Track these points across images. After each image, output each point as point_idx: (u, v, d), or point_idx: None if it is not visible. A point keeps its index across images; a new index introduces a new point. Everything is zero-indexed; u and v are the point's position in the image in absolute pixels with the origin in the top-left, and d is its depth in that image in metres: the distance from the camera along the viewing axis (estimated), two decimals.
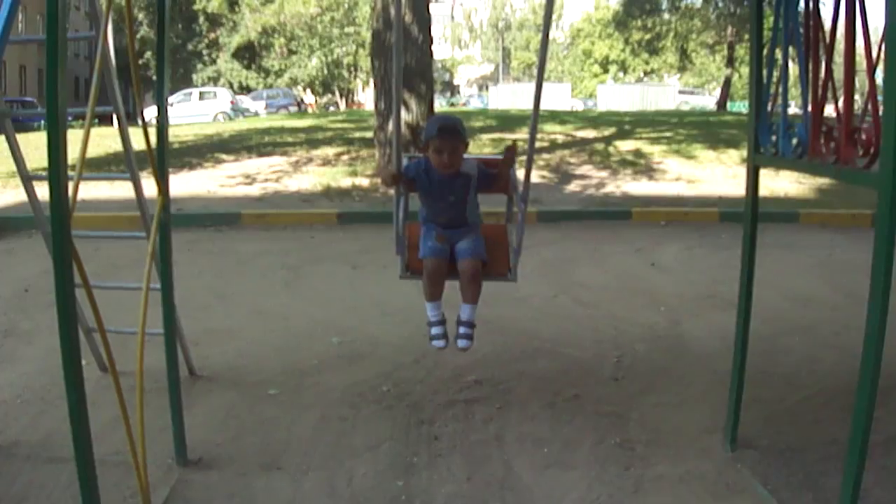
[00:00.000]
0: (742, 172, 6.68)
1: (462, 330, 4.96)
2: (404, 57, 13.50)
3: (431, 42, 16.07)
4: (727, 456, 4.90)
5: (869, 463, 3.46)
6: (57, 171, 3.04)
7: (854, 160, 3.55)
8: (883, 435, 4.81)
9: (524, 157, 4.77)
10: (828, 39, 3.81)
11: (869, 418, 3.35)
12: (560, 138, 21.20)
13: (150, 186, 4.78)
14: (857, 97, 4.02)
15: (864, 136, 3.48)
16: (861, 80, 3.86)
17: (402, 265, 5.08)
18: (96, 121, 4.16)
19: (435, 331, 5.00)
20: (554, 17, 18.35)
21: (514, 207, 5.31)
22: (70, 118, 3.63)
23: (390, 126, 4.40)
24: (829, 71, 3.84)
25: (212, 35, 58.93)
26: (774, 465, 4.76)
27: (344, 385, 6.03)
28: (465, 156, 4.94)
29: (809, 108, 3.90)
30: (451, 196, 4.94)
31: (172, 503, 4.33)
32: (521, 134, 20.94)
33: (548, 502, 4.40)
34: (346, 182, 15.29)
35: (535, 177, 15.77)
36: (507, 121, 25.70)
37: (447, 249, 4.94)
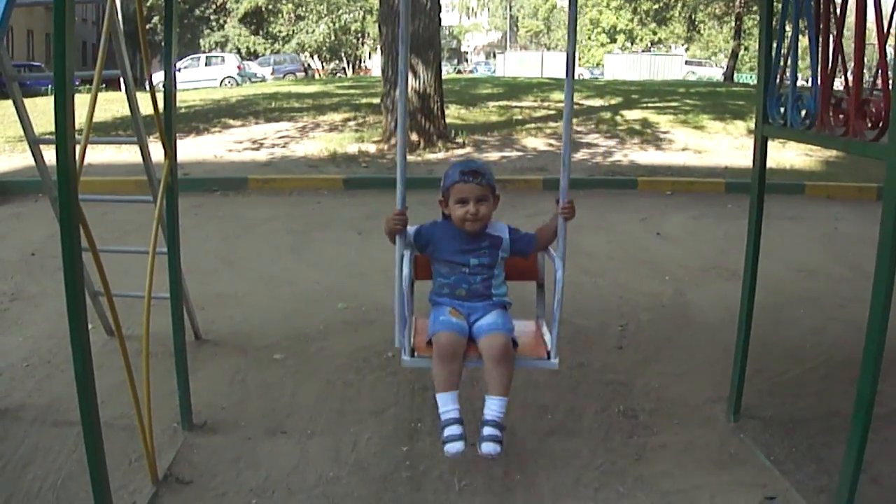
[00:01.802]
0: (748, 143, 6.68)
1: (488, 432, 3.75)
2: (412, 24, 13.46)
3: (439, 9, 16.01)
4: (730, 426, 4.91)
5: (872, 435, 3.46)
6: (64, 134, 3.04)
7: (863, 132, 3.54)
8: (886, 408, 4.82)
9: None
10: (838, 11, 3.79)
11: (873, 391, 3.36)
12: None
13: (156, 151, 4.78)
14: (865, 70, 4.01)
15: (873, 108, 3.47)
16: (870, 53, 3.85)
17: (406, 346, 3.95)
18: (104, 85, 4.16)
19: (450, 431, 3.75)
20: None
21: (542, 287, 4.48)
22: (77, 82, 3.63)
23: (398, 92, 3.45)
24: (838, 43, 3.82)
25: (219, 0, 58.68)
26: (777, 435, 4.78)
27: (349, 350, 6.05)
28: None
29: (819, 80, 3.89)
30: (474, 259, 4.02)
31: (178, 467, 4.34)
32: (529, 102, 20.91)
33: (551, 469, 4.41)
34: (352, 148, 15.30)
35: (543, 145, 15.80)
36: (514, 89, 25.65)
37: (465, 326, 3.93)
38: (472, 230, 3.98)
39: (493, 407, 3.75)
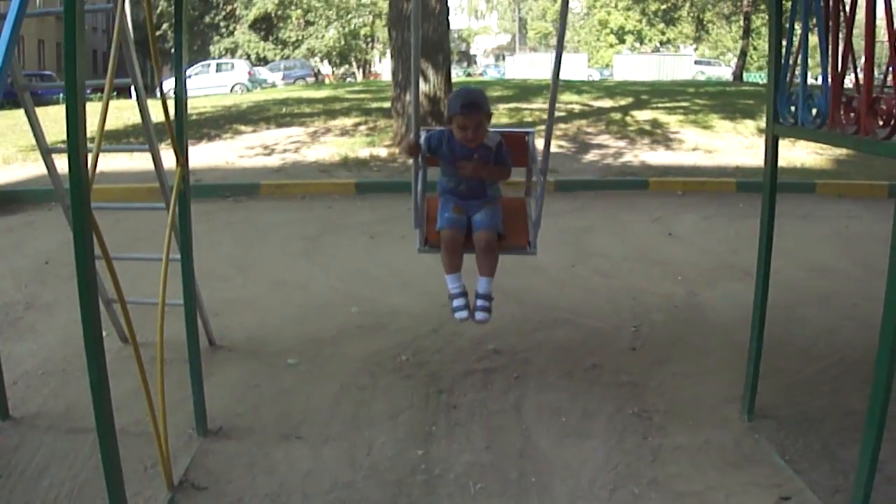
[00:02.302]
0: (759, 143, 6.67)
1: (479, 303, 4.86)
2: (421, 27, 13.47)
3: (448, 12, 16.01)
4: (745, 426, 4.91)
5: (886, 434, 3.45)
6: (76, 143, 3.05)
7: (874, 130, 3.53)
8: None
9: (542, 128, 4.77)
10: (847, 9, 3.79)
11: (887, 390, 3.35)
12: (577, 108, 21.17)
13: (168, 158, 4.79)
14: (876, 68, 4.00)
15: (884, 107, 3.46)
16: (881, 51, 3.84)
17: (420, 238, 5.06)
18: (114, 93, 4.17)
19: (456, 303, 4.88)
20: None
21: (532, 178, 5.27)
22: (88, 91, 3.64)
23: (408, 96, 4.23)
24: (848, 41, 3.82)
25: (229, 7, 58.79)
26: (792, 435, 4.77)
27: (363, 355, 6.06)
28: (490, 129, 4.89)
29: (829, 79, 3.88)
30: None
31: (193, 473, 4.36)
32: (539, 104, 20.91)
33: (566, 471, 4.41)
34: (363, 152, 15.31)
35: (554, 146, 15.75)
36: (524, 91, 25.66)
37: (464, 220, 4.89)
38: (469, 145, 4.79)
39: (482, 284, 4.85)
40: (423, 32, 14.30)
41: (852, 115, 3.71)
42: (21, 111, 5.14)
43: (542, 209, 4.85)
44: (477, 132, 4.73)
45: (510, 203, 5.31)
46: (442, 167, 5.01)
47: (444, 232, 4.85)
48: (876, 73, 3.86)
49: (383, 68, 64.57)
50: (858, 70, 3.69)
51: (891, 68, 3.41)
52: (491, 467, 4.46)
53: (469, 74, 72.44)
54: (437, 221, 4.96)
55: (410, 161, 4.99)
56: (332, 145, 16.11)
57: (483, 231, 4.84)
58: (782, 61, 4.37)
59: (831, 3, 3.90)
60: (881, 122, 3.48)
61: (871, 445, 3.43)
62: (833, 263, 8.68)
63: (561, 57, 4.29)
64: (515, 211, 5.31)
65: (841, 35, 3.85)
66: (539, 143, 5.00)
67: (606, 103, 22.12)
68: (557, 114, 19.47)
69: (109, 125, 4.60)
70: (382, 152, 15.33)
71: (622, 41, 76.94)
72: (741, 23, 50.42)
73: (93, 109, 3.07)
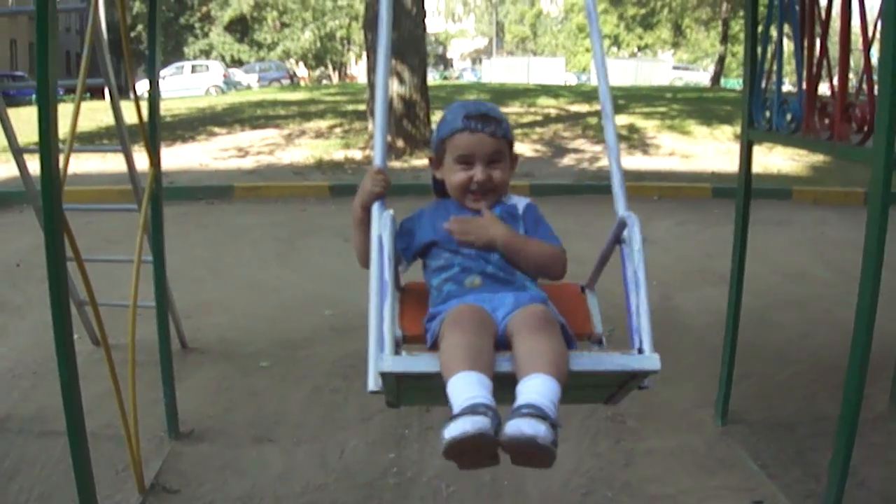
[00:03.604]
0: (735, 148, 6.68)
1: (529, 425, 2.06)
2: (397, 29, 13.46)
3: (425, 15, 16.00)
4: (718, 430, 4.92)
5: (858, 440, 3.47)
6: (48, 144, 3.03)
7: (848, 136, 3.55)
8: (872, 412, 4.85)
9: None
10: (823, 16, 3.81)
11: (859, 395, 3.37)
12: (553, 112, 21.18)
13: (141, 159, 4.77)
14: (851, 75, 4.02)
15: (858, 113, 3.48)
16: (856, 58, 3.86)
17: (372, 378, 2.44)
18: (87, 94, 4.15)
19: (475, 423, 2.04)
20: None
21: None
22: (61, 92, 3.62)
23: (376, 105, 2.67)
24: (823, 47, 3.84)
25: (204, 9, 58.64)
26: (764, 440, 4.79)
27: (336, 357, 6.04)
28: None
29: (804, 84, 3.90)
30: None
31: (165, 475, 4.33)
32: (516, 108, 20.93)
33: (539, 475, 4.39)
34: (338, 155, 15.31)
35: (529, 150, 15.80)
36: (501, 94, 25.64)
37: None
38: (477, 208, 2.71)
39: (534, 388, 2.12)
40: (399, 34, 14.31)
41: (827, 120, 3.73)
42: None
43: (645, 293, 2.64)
44: (492, 171, 2.69)
45: (556, 291, 2.95)
46: (430, 265, 2.73)
47: (460, 307, 2.40)
48: (851, 79, 3.88)
49: (359, 70, 64.53)
50: (833, 76, 3.71)
51: (864, 75, 3.44)
52: (462, 470, 4.45)
53: (446, 77, 72.46)
54: (420, 316, 2.65)
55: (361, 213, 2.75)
56: (306, 147, 16.10)
57: (527, 306, 2.43)
58: (758, 67, 4.39)
59: (807, 9, 3.92)
60: (855, 128, 3.50)
61: (843, 450, 3.44)
62: (808, 269, 8.74)
63: (606, 77, 2.86)
64: (566, 297, 3.03)
65: (816, 41, 3.87)
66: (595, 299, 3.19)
67: (583, 108, 22.14)
68: (533, 118, 19.55)
69: (82, 126, 4.58)
70: (357, 155, 15.32)
71: None
72: (719, 28, 50.65)
73: (65, 110, 3.06)
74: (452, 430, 2.03)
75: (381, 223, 2.48)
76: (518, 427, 1.99)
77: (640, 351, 2.51)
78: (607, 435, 4.89)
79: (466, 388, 2.11)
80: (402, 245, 2.71)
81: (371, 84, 15.94)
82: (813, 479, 4.29)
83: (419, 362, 2.28)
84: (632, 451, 4.70)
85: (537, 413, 2.02)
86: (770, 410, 5.21)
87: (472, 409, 2.05)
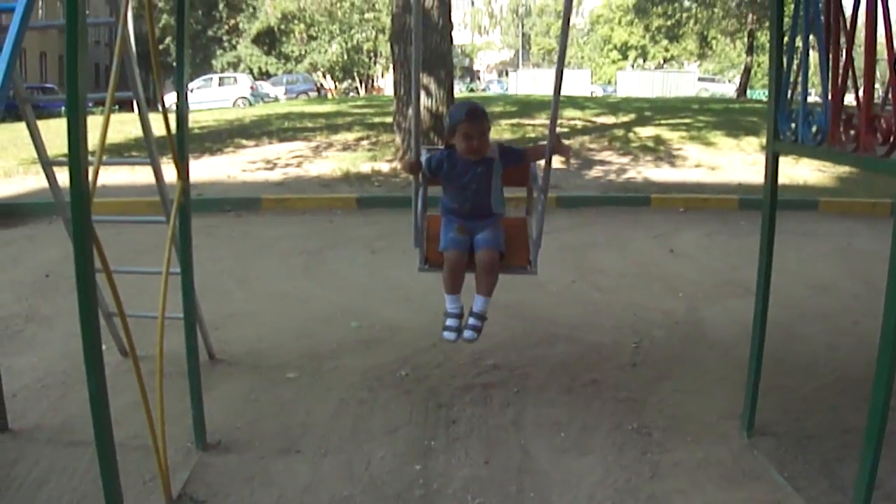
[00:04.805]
0: (761, 160, 6.66)
1: (472, 322, 4.84)
2: (424, 42, 13.46)
3: (451, 27, 16.02)
4: (744, 442, 4.90)
5: (885, 452, 3.46)
6: (77, 156, 3.06)
7: (874, 148, 3.54)
8: None
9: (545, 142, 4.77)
10: (848, 27, 3.80)
11: (886, 407, 3.35)
12: (580, 124, 21.18)
13: (170, 172, 4.80)
14: (877, 86, 4.01)
15: (884, 124, 3.47)
16: (881, 69, 3.85)
17: (420, 257, 5.00)
18: (116, 107, 4.19)
19: (449, 322, 4.88)
20: (574, 2, 18.32)
21: (534, 195, 5.19)
22: (90, 104, 3.65)
23: (410, 111, 4.18)
24: (849, 59, 3.83)
25: (231, 21, 58.95)
26: (791, 452, 4.76)
27: (362, 369, 6.05)
28: None
29: (829, 96, 3.89)
30: (474, 184, 4.80)
31: (192, 486, 4.35)
32: (542, 120, 20.92)
33: (564, 486, 4.41)
34: (365, 167, 15.32)
35: (556, 162, 15.76)
36: (527, 107, 25.66)
37: (467, 241, 4.83)
38: (475, 158, 4.75)
39: (478, 303, 4.83)
40: (426, 47, 14.34)
41: (852, 132, 3.72)
42: (22, 124, 5.15)
43: (542, 228, 4.83)
44: (482, 141, 4.69)
45: (511, 223, 5.29)
46: (444, 186, 4.95)
47: (448, 253, 4.80)
48: (879, 90, 3.87)
49: (386, 83, 64.65)
50: (859, 88, 3.70)
51: (890, 86, 3.42)
52: (490, 482, 4.45)
53: (472, 90, 72.59)
54: (439, 241, 4.94)
55: (411, 178, 4.91)
56: (333, 160, 16.13)
57: (485, 250, 4.77)
58: (783, 78, 4.38)
59: (832, 20, 3.91)
60: (881, 139, 3.49)
61: (870, 462, 3.43)
62: (834, 281, 8.68)
63: (562, 73, 4.29)
64: (516, 230, 5.29)
65: (841, 52, 3.86)
66: (540, 162, 4.92)
67: (609, 119, 22.14)
68: (560, 130, 19.48)
69: (111, 138, 4.62)
70: (384, 167, 15.35)
71: (625, 57, 77.17)
72: (745, 39, 50.48)
73: (94, 122, 3.08)
74: (444, 329, 4.92)
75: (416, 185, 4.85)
76: (465, 334, 4.85)
77: (531, 264, 4.99)
78: (633, 447, 4.87)
79: (448, 301, 4.89)
80: (432, 167, 4.81)
81: (398, 97, 15.97)
82: (840, 491, 4.27)
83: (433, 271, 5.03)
84: (658, 462, 4.69)
85: (480, 315, 4.85)
86: (796, 423, 5.18)
87: (448, 314, 4.90)
